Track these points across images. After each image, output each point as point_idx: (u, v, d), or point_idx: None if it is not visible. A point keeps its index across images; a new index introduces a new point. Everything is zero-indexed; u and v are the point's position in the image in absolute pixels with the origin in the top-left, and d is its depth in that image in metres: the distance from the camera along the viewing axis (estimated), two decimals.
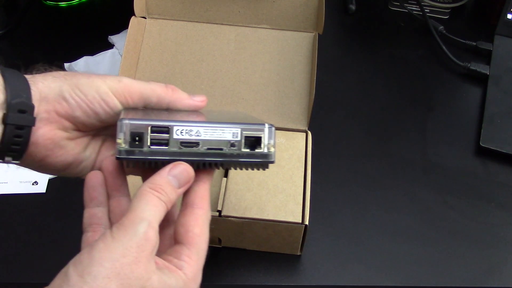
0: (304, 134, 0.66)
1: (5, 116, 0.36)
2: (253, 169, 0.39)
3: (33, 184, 0.67)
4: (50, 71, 0.41)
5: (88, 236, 0.39)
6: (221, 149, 0.37)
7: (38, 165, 0.40)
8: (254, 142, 0.38)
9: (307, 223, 0.57)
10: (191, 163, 0.37)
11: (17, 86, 0.37)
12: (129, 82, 0.40)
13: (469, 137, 0.76)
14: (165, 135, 0.37)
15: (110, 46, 0.84)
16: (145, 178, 0.41)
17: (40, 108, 0.38)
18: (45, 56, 0.85)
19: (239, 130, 0.38)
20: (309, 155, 0.63)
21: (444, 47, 0.86)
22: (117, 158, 0.36)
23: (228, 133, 0.37)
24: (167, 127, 0.37)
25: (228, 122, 0.38)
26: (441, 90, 0.82)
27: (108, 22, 0.91)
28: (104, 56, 0.82)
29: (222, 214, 0.57)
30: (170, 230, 0.40)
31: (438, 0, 0.92)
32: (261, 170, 0.39)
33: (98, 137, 0.43)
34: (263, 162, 0.38)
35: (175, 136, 0.37)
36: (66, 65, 0.80)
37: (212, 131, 0.37)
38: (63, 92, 0.38)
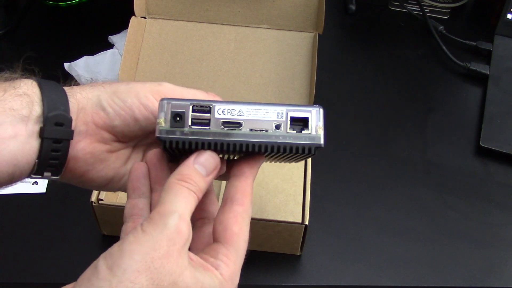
0: None
1: (42, 130, 0.35)
2: (299, 155, 0.37)
3: (33, 184, 0.67)
4: (91, 83, 0.40)
5: (127, 227, 0.37)
6: (265, 131, 0.35)
7: (79, 181, 0.39)
8: (300, 123, 0.36)
9: (307, 223, 0.57)
10: (233, 146, 0.35)
11: (55, 98, 0.36)
12: (170, 86, 0.39)
13: (469, 137, 0.76)
14: (207, 115, 0.35)
15: (110, 46, 0.84)
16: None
17: (78, 121, 0.37)
18: (45, 56, 0.85)
19: (284, 110, 0.36)
20: None
21: (444, 47, 0.86)
22: (157, 138, 0.35)
23: (272, 113, 0.36)
24: (208, 106, 0.35)
25: (273, 103, 0.36)
26: (441, 90, 0.82)
27: (108, 22, 0.91)
28: (104, 56, 0.82)
29: None
30: (209, 227, 0.38)
31: (438, 0, 0.92)
32: (307, 158, 0.36)
33: (139, 148, 0.42)
34: (311, 145, 0.35)
35: (216, 116, 0.35)
36: (66, 65, 0.80)
37: (255, 111, 0.35)
38: (101, 101, 0.37)
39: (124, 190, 0.40)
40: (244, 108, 0.36)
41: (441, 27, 0.89)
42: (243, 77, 0.69)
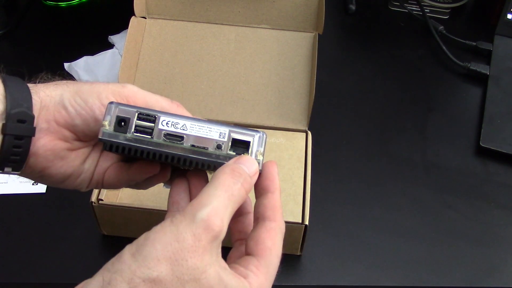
0: (304, 134, 0.66)
1: (4, 126, 0.35)
2: None
3: (33, 184, 0.67)
4: (54, 79, 0.40)
5: None
6: (205, 148, 0.36)
7: (38, 176, 0.39)
8: (242, 146, 0.36)
9: (307, 223, 0.57)
10: (172, 158, 0.36)
11: (18, 95, 0.36)
12: (134, 88, 0.40)
13: (469, 137, 0.76)
14: (151, 124, 0.36)
15: (110, 46, 0.84)
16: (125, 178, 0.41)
17: (40, 118, 0.37)
18: (45, 56, 0.85)
19: (227, 131, 0.36)
20: (309, 155, 0.63)
21: (444, 47, 0.86)
22: (99, 140, 0.36)
23: (215, 132, 0.36)
24: (154, 116, 0.36)
25: (218, 122, 0.37)
26: (441, 90, 0.82)
27: (108, 22, 0.91)
28: (104, 56, 0.82)
29: None
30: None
31: (438, 0, 0.92)
32: None
33: (97, 147, 0.42)
34: None
35: (160, 126, 0.36)
36: (66, 65, 0.80)
37: (198, 128, 0.36)
38: (63, 100, 0.38)
39: (80, 189, 0.41)
40: (188, 123, 0.36)
41: (441, 27, 0.89)
42: (243, 77, 0.69)
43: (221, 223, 0.31)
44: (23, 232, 0.64)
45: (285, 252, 0.61)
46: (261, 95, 0.68)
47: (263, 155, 0.37)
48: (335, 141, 0.74)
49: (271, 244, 0.34)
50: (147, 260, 0.29)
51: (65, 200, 0.66)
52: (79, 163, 0.40)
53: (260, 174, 0.37)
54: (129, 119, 0.36)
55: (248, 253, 0.34)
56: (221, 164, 0.35)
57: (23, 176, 0.40)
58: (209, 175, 0.40)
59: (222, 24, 0.72)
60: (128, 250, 0.30)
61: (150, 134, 0.36)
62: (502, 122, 0.76)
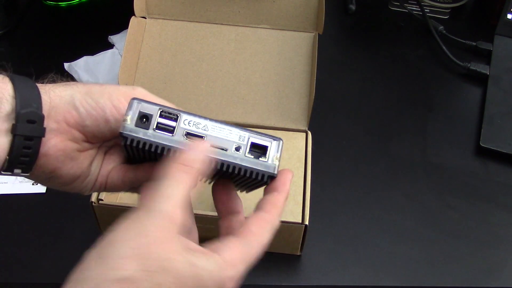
0: (304, 134, 0.66)
1: (14, 127, 0.35)
2: (252, 182, 0.38)
3: (33, 184, 0.67)
4: (62, 80, 0.40)
5: None
6: (225, 149, 0.37)
7: (48, 177, 0.39)
8: (259, 150, 0.37)
9: (307, 223, 0.57)
10: None
11: (28, 95, 0.36)
12: (144, 91, 0.40)
13: (469, 137, 0.76)
14: (173, 122, 0.36)
15: (110, 46, 0.84)
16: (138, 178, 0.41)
17: (50, 118, 0.37)
18: (45, 56, 0.85)
19: (246, 135, 0.37)
20: (309, 155, 0.63)
21: (444, 47, 0.86)
22: (120, 134, 0.36)
23: (235, 135, 0.37)
24: (176, 114, 0.37)
25: (238, 126, 0.37)
26: (441, 90, 0.82)
27: (108, 22, 0.91)
28: (104, 56, 0.82)
29: None
30: None
31: (438, 0, 0.92)
32: (260, 186, 0.38)
33: (102, 150, 0.42)
34: (264, 172, 0.37)
35: (182, 125, 0.36)
36: (66, 65, 0.80)
37: (219, 129, 0.37)
38: (74, 100, 0.38)
39: (84, 192, 0.41)
40: (210, 124, 0.37)
41: (441, 27, 0.89)
42: (243, 77, 0.69)
43: (181, 212, 0.32)
44: (23, 232, 0.64)
45: (285, 252, 0.62)
46: (261, 95, 0.68)
47: (279, 160, 0.37)
48: (335, 141, 0.74)
49: (255, 230, 0.34)
50: (113, 261, 0.29)
51: (65, 200, 0.66)
52: (88, 164, 0.40)
53: (274, 178, 0.37)
54: (151, 115, 0.36)
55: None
56: (237, 166, 0.36)
57: (32, 179, 0.39)
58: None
59: (222, 24, 0.72)
60: (91, 256, 0.30)
61: (172, 132, 0.36)
62: (502, 122, 0.76)
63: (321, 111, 0.75)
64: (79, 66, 0.80)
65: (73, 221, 0.64)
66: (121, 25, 0.83)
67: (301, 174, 0.61)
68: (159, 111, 0.36)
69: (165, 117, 0.36)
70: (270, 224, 0.36)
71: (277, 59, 0.70)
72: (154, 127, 0.36)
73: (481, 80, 0.82)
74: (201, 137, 0.36)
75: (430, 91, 0.82)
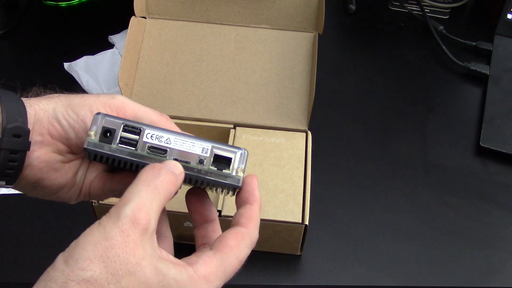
0: (304, 134, 0.66)
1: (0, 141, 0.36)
2: (218, 191, 0.38)
3: None
4: (46, 93, 0.40)
5: None
6: (188, 162, 0.37)
7: (32, 187, 0.40)
8: (223, 162, 0.37)
9: (307, 223, 0.57)
10: None
11: (13, 110, 0.36)
12: (124, 99, 0.40)
13: (469, 137, 0.76)
14: (135, 136, 0.37)
15: (110, 46, 0.84)
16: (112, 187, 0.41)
17: (34, 131, 0.38)
18: (45, 56, 0.85)
19: (209, 147, 0.37)
20: (309, 155, 0.63)
21: (444, 47, 0.86)
22: (84, 149, 0.37)
23: (198, 147, 0.37)
24: (139, 128, 0.37)
25: (202, 138, 0.38)
26: (441, 90, 0.82)
27: (108, 22, 0.91)
28: (104, 56, 0.82)
29: (222, 214, 0.57)
30: None
31: (438, 0, 0.92)
32: (228, 195, 0.38)
33: (86, 159, 0.42)
34: (228, 185, 0.37)
35: (144, 139, 0.37)
36: (66, 65, 0.80)
37: (182, 142, 0.37)
38: (56, 114, 0.38)
39: (69, 202, 0.42)
40: (172, 137, 0.37)
41: (441, 27, 0.89)
42: (243, 77, 0.69)
43: (146, 216, 0.32)
44: (23, 232, 0.64)
45: (285, 252, 0.62)
46: (261, 95, 0.68)
47: (243, 172, 0.37)
48: (335, 141, 0.74)
49: (233, 244, 0.34)
50: (79, 262, 0.30)
51: None
52: (72, 175, 0.41)
53: (240, 190, 0.37)
54: (114, 130, 0.37)
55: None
56: (201, 179, 0.37)
57: (17, 189, 0.40)
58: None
59: (222, 24, 0.72)
60: (60, 257, 0.31)
61: (134, 146, 0.37)
62: (502, 122, 0.76)
63: (321, 111, 0.75)
64: (79, 66, 0.80)
65: (73, 221, 0.64)
66: (121, 25, 0.83)
67: (301, 174, 0.61)
68: (122, 126, 0.37)
69: (128, 131, 0.37)
70: (249, 239, 0.36)
71: (277, 59, 0.70)
72: (118, 141, 0.37)
73: (481, 80, 0.82)
74: (164, 150, 0.37)
75: (430, 91, 0.82)
